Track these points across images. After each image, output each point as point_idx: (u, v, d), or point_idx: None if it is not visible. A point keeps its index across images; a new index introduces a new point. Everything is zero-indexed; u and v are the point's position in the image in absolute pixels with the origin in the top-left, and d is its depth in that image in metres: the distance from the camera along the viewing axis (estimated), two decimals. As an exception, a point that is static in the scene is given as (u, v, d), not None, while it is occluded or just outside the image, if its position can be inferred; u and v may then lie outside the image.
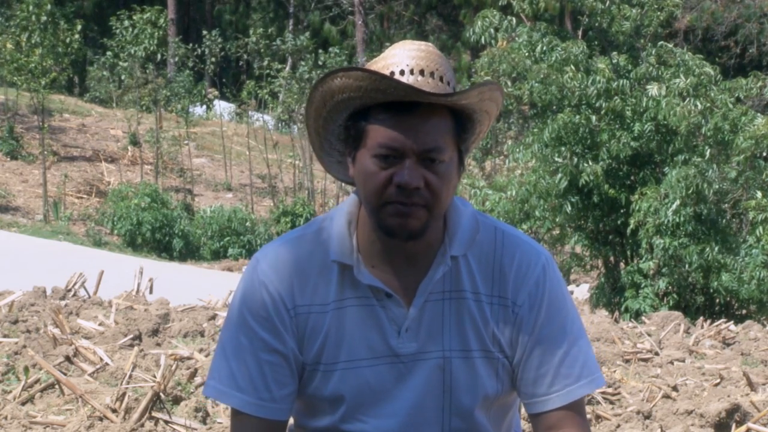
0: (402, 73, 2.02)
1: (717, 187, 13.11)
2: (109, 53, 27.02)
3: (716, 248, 12.77)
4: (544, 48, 13.94)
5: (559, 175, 13.32)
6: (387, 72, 2.03)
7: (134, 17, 24.92)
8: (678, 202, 12.67)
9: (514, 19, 14.34)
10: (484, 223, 2.16)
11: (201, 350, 6.92)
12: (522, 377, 2.13)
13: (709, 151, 12.96)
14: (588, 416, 5.70)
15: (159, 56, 25.70)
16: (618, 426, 5.57)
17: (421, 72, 2.03)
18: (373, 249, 2.10)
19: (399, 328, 2.09)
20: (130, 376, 5.76)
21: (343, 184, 22.02)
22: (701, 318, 11.54)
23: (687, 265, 12.82)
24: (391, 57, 2.06)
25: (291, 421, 2.23)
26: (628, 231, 13.30)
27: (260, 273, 2.12)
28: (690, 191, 12.57)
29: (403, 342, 2.09)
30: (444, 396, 2.10)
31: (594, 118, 13.42)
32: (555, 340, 2.11)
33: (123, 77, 26.85)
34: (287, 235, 2.18)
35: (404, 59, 2.04)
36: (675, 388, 6.57)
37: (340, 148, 2.14)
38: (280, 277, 2.10)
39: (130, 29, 24.80)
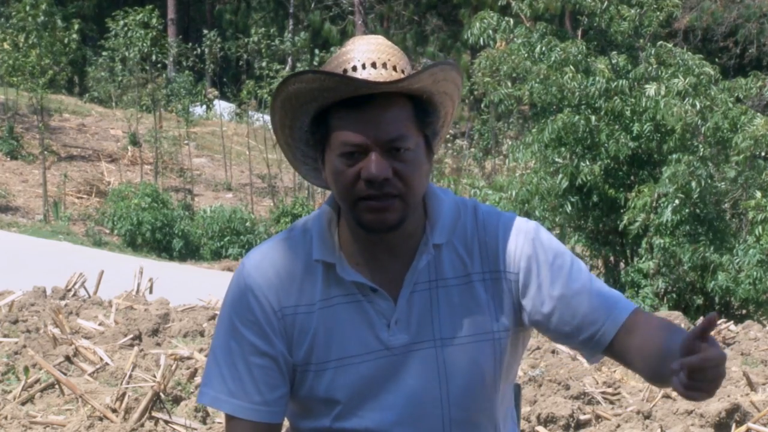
0: (354, 69, 2.03)
1: (715, 185, 13.12)
2: (105, 54, 27.02)
3: (711, 247, 12.78)
4: (543, 49, 13.94)
5: (560, 176, 13.33)
6: (340, 70, 2.04)
7: (125, 19, 24.86)
8: (677, 201, 12.69)
9: (511, 20, 14.34)
10: (463, 204, 2.17)
11: (201, 350, 6.92)
12: (567, 333, 2.10)
13: (702, 149, 12.98)
14: (588, 416, 5.72)
15: (153, 56, 25.62)
16: (618, 426, 5.57)
17: (373, 65, 2.04)
18: (354, 246, 2.11)
19: (388, 321, 2.09)
20: (130, 376, 5.77)
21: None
22: (701, 318, 11.54)
23: (684, 265, 12.84)
24: (343, 55, 2.07)
25: (287, 423, 2.23)
26: (621, 227, 13.32)
27: (246, 277, 2.13)
28: (677, 188, 12.59)
29: (393, 334, 2.09)
30: (441, 386, 2.09)
31: (594, 118, 13.43)
32: (576, 281, 2.10)
33: (121, 78, 26.84)
34: (273, 239, 2.19)
35: (356, 55, 2.05)
36: (675, 388, 6.55)
37: (312, 154, 2.15)
38: (266, 280, 2.11)
39: (126, 30, 24.76)
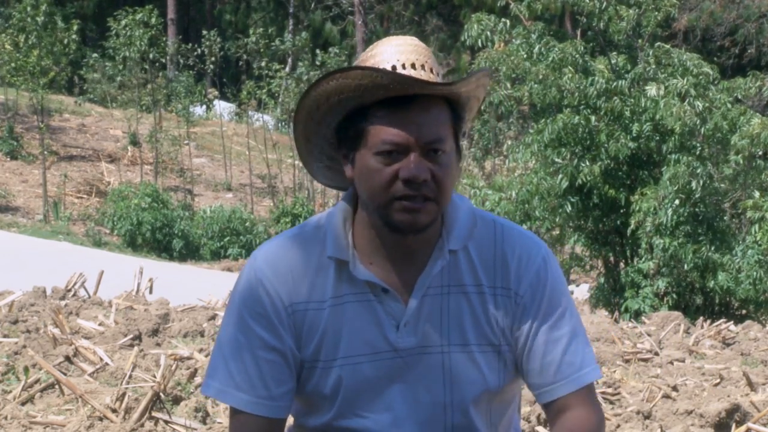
0: (394, 68, 2.02)
1: (715, 186, 13.13)
2: (95, 55, 27.07)
3: (712, 248, 12.79)
4: (541, 49, 13.93)
5: (560, 176, 13.33)
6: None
7: (124, 20, 24.86)
8: (677, 202, 12.70)
9: (508, 21, 14.32)
10: (482, 217, 2.17)
11: (201, 350, 6.92)
12: (528, 368, 2.13)
13: (700, 149, 12.99)
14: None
15: (151, 56, 25.62)
16: (618, 426, 5.57)
17: (413, 65, 2.04)
18: (370, 245, 2.10)
19: (397, 323, 2.09)
20: (130, 376, 5.77)
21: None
22: (701, 318, 11.54)
23: (685, 265, 12.85)
24: (379, 54, 2.06)
25: (290, 420, 2.23)
26: (628, 231, 13.31)
27: (257, 271, 2.12)
28: (677, 189, 12.60)
29: (402, 336, 2.09)
30: (445, 391, 2.10)
31: (593, 118, 13.43)
32: (558, 330, 2.12)
33: (119, 78, 26.87)
34: (284, 234, 2.18)
35: (393, 55, 2.04)
36: (675, 388, 6.57)
37: (330, 152, 2.14)
38: (277, 274, 2.10)
39: (128, 29, 24.78)
